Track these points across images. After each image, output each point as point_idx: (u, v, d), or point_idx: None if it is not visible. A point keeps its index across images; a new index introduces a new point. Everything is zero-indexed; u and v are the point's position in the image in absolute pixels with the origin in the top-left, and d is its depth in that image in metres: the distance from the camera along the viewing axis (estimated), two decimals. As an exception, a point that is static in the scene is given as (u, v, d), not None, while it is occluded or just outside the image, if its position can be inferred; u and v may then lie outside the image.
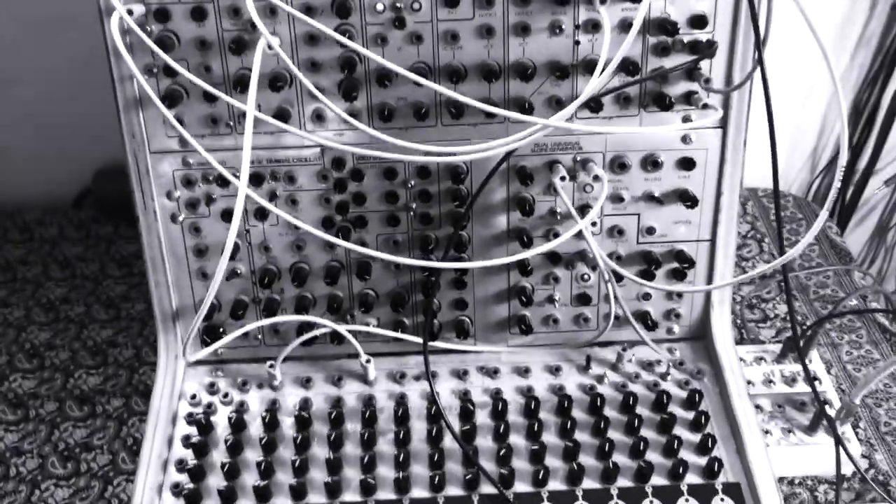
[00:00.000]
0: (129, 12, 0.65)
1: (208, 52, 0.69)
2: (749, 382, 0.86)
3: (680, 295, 0.80)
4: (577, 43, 0.70)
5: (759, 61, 0.61)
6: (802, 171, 1.27)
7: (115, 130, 0.72)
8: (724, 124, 0.73)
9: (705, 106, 0.71)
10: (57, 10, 1.04)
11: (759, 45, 0.62)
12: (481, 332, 0.82)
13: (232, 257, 0.76)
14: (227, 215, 0.75)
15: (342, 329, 0.76)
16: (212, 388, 0.79)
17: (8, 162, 1.18)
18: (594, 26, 0.69)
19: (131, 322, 1.02)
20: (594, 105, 0.70)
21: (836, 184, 0.63)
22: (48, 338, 1.00)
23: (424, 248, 0.76)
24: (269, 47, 0.65)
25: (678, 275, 0.78)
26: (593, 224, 0.73)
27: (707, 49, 0.68)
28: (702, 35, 0.70)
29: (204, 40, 0.69)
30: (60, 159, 1.18)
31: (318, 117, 0.72)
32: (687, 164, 0.74)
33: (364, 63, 0.70)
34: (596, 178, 0.73)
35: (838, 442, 0.76)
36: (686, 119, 0.73)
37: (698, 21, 0.69)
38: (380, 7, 0.68)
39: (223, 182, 0.74)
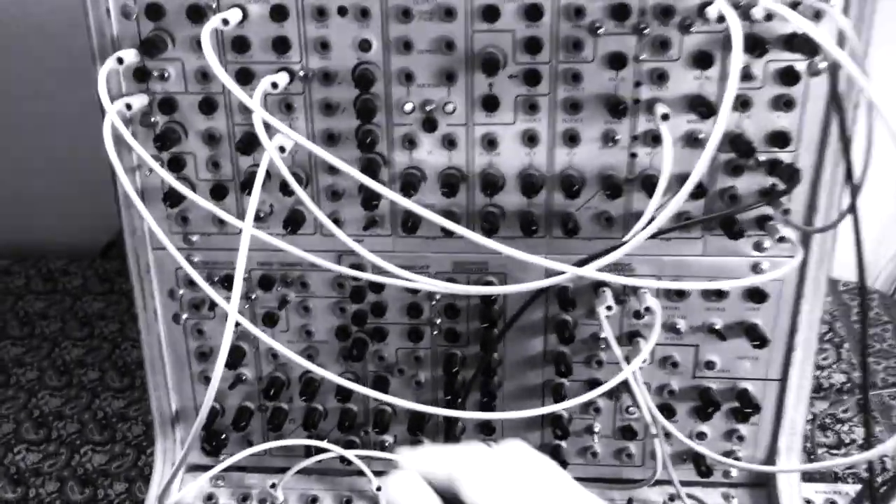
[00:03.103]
0: (128, 106, 0.58)
1: (217, 147, 0.63)
2: (816, 531, 0.75)
3: (741, 437, 0.69)
4: (633, 156, 0.61)
5: (853, 207, 0.51)
6: (892, 261, 1.14)
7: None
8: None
9: (782, 239, 0.60)
10: (83, 61, 1.00)
11: (854, 188, 0.52)
12: (509, 459, 0.73)
13: (236, 365, 0.69)
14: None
15: (351, 455, 0.68)
16: (209, 501, 0.72)
17: (36, 208, 1.14)
18: (654, 139, 0.60)
19: (144, 393, 0.96)
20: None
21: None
22: (58, 405, 0.95)
23: (449, 368, 0.68)
24: (282, 149, 0.57)
25: (739, 415, 0.68)
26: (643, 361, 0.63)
27: (788, 178, 0.57)
28: (782, 154, 0.59)
29: (212, 134, 0.62)
30: (89, 207, 1.13)
31: (336, 220, 0.64)
32: (757, 295, 0.64)
33: (388, 166, 0.62)
34: (648, 309, 0.63)
35: None
36: (759, 246, 0.62)
37: (778, 139, 0.58)
38: (408, 107, 0.60)
39: (229, 284, 0.67)
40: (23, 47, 1.01)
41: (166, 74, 0.60)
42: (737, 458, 0.70)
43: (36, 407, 0.95)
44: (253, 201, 0.54)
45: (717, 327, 0.65)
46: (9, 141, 1.10)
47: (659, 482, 0.71)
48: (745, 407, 0.66)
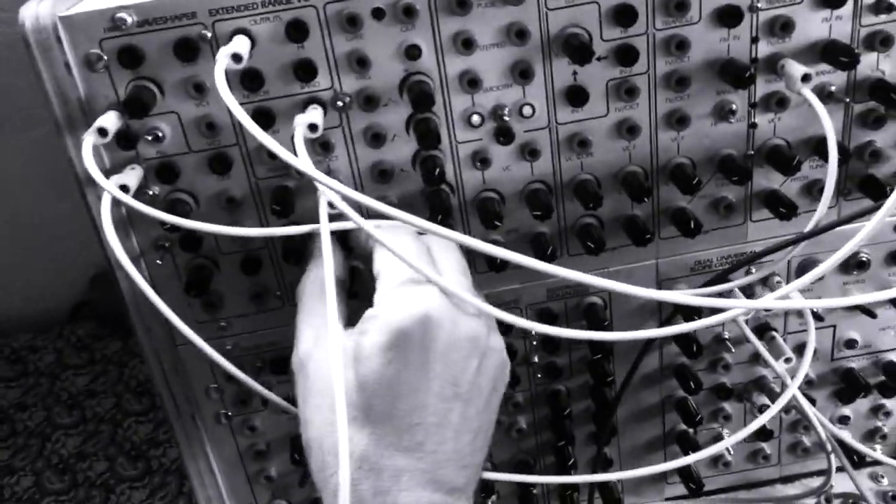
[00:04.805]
0: (124, 188, 0.44)
1: (239, 212, 0.49)
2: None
3: (888, 413, 0.61)
4: (752, 126, 0.50)
5: None
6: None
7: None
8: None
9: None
10: (12, 108, 0.83)
11: None
12: (631, 485, 0.63)
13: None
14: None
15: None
16: None
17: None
18: (779, 102, 0.49)
19: (167, 476, 0.83)
20: (783, 210, 0.51)
21: None
22: (69, 513, 0.82)
23: (557, 408, 0.57)
24: (331, 205, 0.44)
25: (887, 391, 0.60)
26: (787, 360, 0.54)
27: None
28: (927, 94, 0.49)
29: (231, 197, 0.48)
30: (48, 270, 0.97)
31: (400, 268, 0.52)
32: (902, 259, 0.55)
33: (458, 193, 0.50)
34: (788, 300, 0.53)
35: None
36: (902, 198, 0.53)
37: (924, 77, 0.48)
38: (476, 120, 0.47)
39: (280, 368, 0.54)
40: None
41: (160, 134, 0.46)
42: (883, 437, 0.62)
43: (46, 522, 0.81)
44: (328, 267, 0.41)
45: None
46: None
47: (788, 478, 0.64)
48: (894, 379, 0.58)
